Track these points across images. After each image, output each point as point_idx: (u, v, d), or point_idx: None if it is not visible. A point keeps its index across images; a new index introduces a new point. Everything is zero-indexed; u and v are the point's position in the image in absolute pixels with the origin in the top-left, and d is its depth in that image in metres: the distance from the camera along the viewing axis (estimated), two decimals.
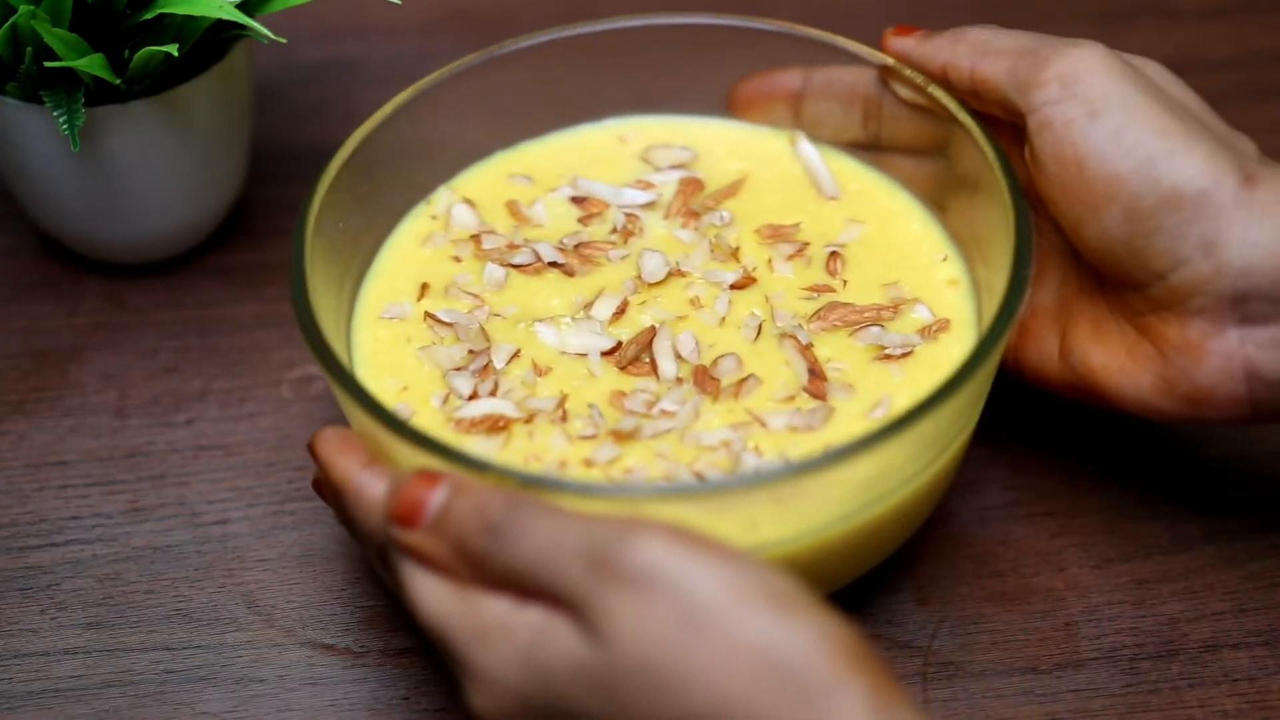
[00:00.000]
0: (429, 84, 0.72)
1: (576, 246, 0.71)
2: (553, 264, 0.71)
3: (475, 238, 0.72)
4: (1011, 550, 0.71)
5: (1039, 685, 0.66)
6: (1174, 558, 0.70)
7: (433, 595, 0.56)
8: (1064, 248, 0.69)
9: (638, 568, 0.52)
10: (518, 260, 0.71)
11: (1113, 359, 0.66)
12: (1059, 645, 0.67)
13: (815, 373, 0.66)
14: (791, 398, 0.65)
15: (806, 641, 0.51)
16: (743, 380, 0.66)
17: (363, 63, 0.94)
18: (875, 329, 0.67)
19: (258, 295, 0.81)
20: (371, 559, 0.61)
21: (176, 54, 0.69)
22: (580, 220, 0.73)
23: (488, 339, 0.68)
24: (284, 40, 0.75)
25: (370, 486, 0.58)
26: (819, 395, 0.65)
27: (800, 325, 0.68)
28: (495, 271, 0.70)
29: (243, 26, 0.72)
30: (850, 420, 0.64)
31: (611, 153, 0.76)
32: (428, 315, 0.69)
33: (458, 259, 0.72)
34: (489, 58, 0.74)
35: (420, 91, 0.72)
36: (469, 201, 0.74)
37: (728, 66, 0.76)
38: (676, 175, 0.75)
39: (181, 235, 0.80)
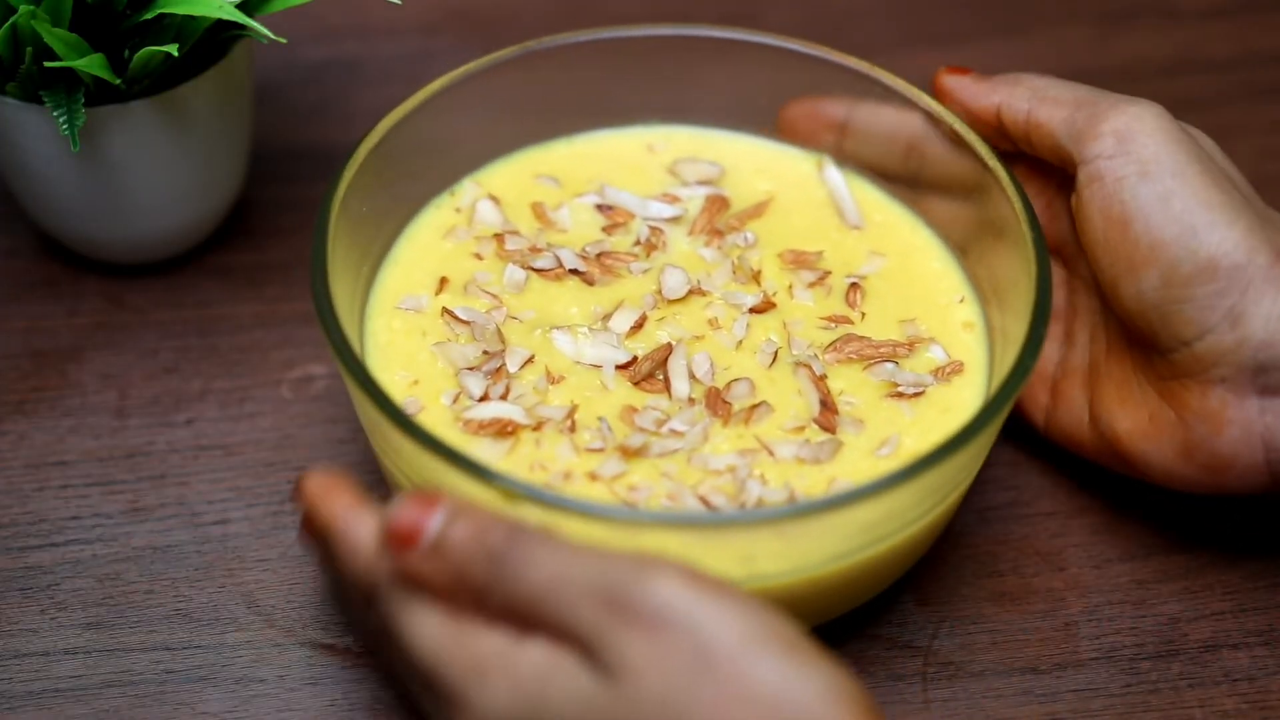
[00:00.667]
0: (463, 75, 0.72)
1: (599, 255, 0.71)
2: (574, 271, 0.71)
3: (498, 237, 0.72)
4: (1011, 550, 0.71)
5: (1039, 685, 0.66)
6: (1174, 558, 0.70)
7: (426, 628, 0.55)
8: (1096, 307, 0.69)
9: (653, 608, 0.51)
10: (539, 264, 0.71)
11: (1136, 425, 0.66)
12: (1059, 645, 0.67)
13: (827, 405, 0.66)
14: (801, 428, 0.65)
15: (817, 692, 0.51)
16: (754, 406, 0.66)
17: (363, 63, 0.94)
18: (889, 365, 0.67)
19: (258, 295, 0.81)
20: (350, 609, 0.60)
21: (176, 54, 0.69)
22: (604, 229, 0.73)
23: (503, 341, 0.68)
24: (284, 40, 0.75)
25: (357, 524, 0.57)
26: (829, 428, 0.65)
27: (815, 355, 0.68)
28: (516, 273, 0.70)
29: (243, 26, 0.72)
30: (858, 457, 0.65)
31: (639, 161, 0.76)
32: (445, 311, 0.69)
33: (479, 256, 0.72)
34: (525, 53, 0.74)
35: (454, 81, 0.72)
36: (494, 198, 0.74)
37: (762, 84, 0.75)
38: (703, 191, 0.74)
39: (181, 235, 0.80)
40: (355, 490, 0.58)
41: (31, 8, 0.69)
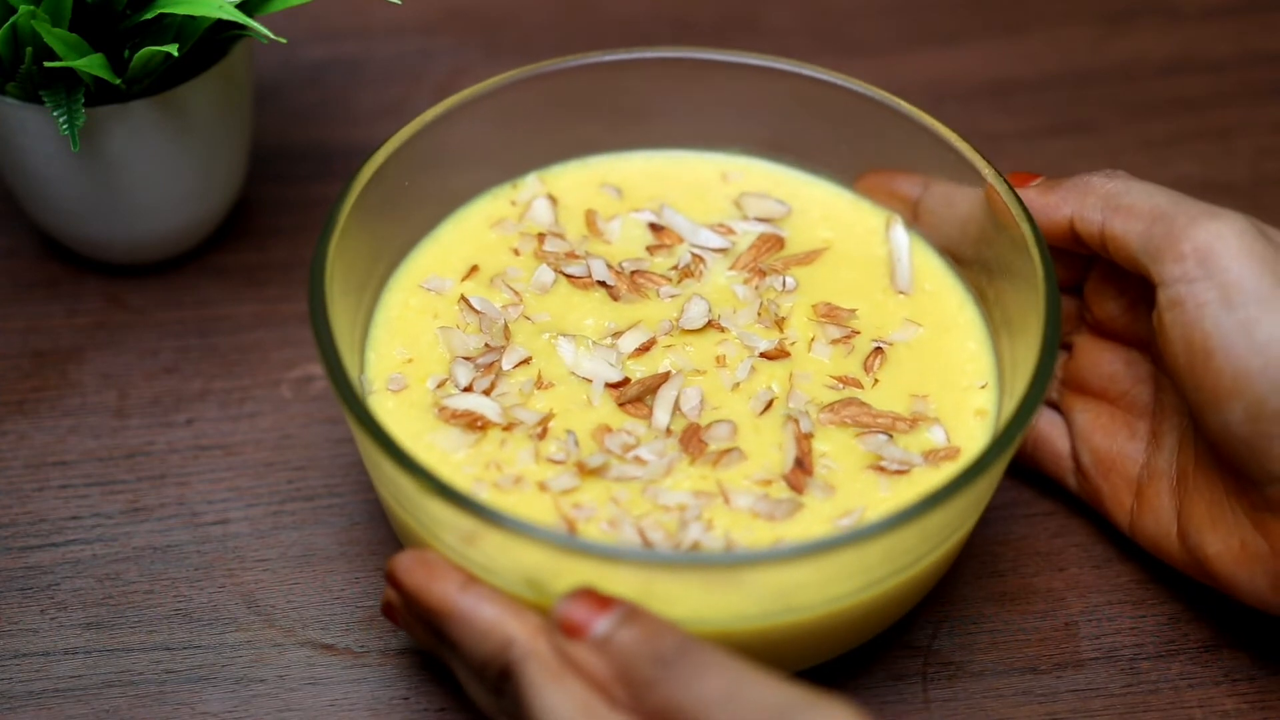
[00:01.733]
0: (547, 69, 0.72)
1: (632, 273, 0.71)
2: (601, 283, 0.70)
3: (541, 236, 0.72)
4: (1011, 550, 0.71)
5: (1039, 685, 0.66)
6: None
7: (566, 707, 0.55)
8: (1186, 409, 0.66)
9: None
10: (570, 270, 0.70)
11: (1228, 549, 0.63)
12: (1059, 645, 0.67)
13: (802, 464, 0.64)
14: (769, 482, 0.64)
15: None
16: (727, 451, 0.64)
17: (363, 63, 0.94)
18: (882, 437, 0.65)
19: (258, 295, 0.81)
20: (470, 684, 0.60)
21: (176, 54, 0.69)
22: (649, 248, 0.72)
23: (508, 338, 0.68)
24: (284, 40, 0.75)
25: (479, 606, 0.57)
26: (796, 487, 0.64)
27: (807, 412, 0.66)
28: (545, 275, 0.70)
29: (243, 26, 0.72)
30: (814, 521, 0.63)
31: (709, 187, 0.75)
32: (462, 298, 0.69)
33: (517, 251, 0.72)
34: (624, 59, 0.73)
35: (529, 75, 0.72)
36: (552, 198, 0.73)
37: (851, 133, 0.73)
38: (759, 228, 0.73)
39: (181, 235, 0.80)
40: (459, 571, 0.59)
41: (31, 8, 0.69)
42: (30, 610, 0.68)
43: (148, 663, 0.67)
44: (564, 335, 0.68)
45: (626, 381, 0.67)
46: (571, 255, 0.71)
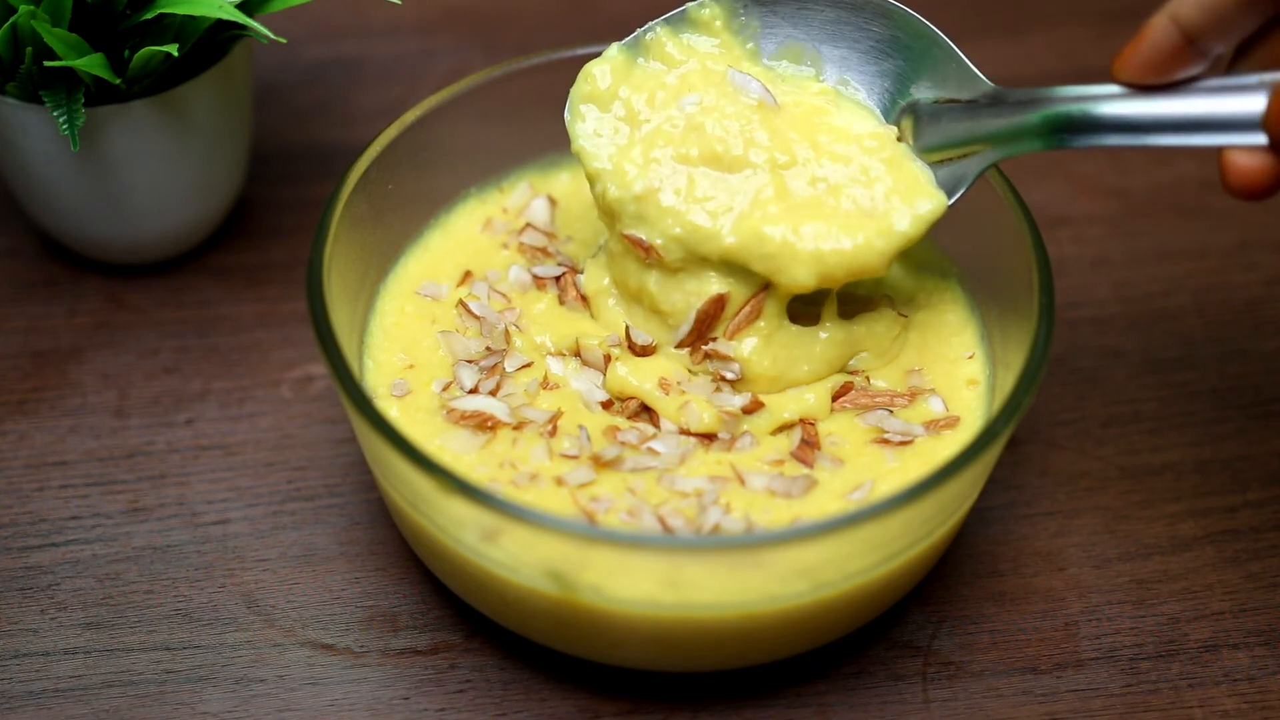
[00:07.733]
0: (502, 71, 0.72)
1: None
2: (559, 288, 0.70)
3: (525, 229, 0.72)
4: (1011, 550, 0.71)
5: (1039, 685, 0.66)
6: (1174, 558, 0.70)
7: None
8: None
9: None
10: (539, 271, 0.70)
11: None
12: (1059, 645, 0.67)
13: (808, 441, 0.65)
14: (781, 461, 0.64)
15: None
16: (740, 435, 0.65)
17: (363, 63, 0.94)
18: (882, 412, 0.66)
19: (258, 295, 0.81)
20: None
21: (176, 54, 0.69)
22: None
23: (509, 343, 0.68)
24: (284, 40, 0.75)
25: None
26: (806, 462, 0.64)
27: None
28: (519, 274, 0.70)
29: (243, 26, 0.72)
30: (828, 498, 0.63)
31: None
32: (460, 303, 0.69)
33: (511, 247, 0.72)
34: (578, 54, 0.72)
35: (528, 65, 0.72)
36: (552, 200, 0.73)
37: None
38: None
39: (181, 235, 0.80)
40: None
41: (31, 8, 0.69)
42: (30, 610, 0.69)
43: (148, 663, 0.67)
44: (551, 355, 0.68)
45: (611, 403, 0.66)
46: (544, 252, 0.71)
